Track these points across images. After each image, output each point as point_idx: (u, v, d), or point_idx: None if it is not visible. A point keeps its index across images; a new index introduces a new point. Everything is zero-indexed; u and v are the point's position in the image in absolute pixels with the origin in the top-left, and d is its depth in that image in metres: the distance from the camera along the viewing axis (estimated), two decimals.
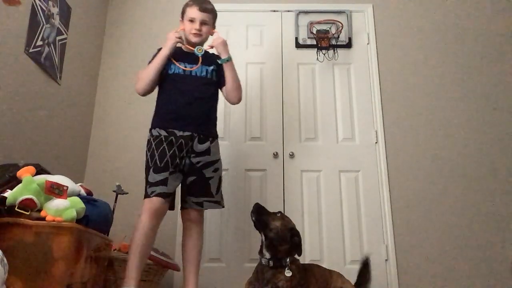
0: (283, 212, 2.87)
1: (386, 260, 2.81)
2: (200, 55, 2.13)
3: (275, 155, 3.02)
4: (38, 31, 2.42)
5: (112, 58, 3.31)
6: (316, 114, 3.14)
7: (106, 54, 3.33)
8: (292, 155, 3.02)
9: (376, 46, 3.26)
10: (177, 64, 2.14)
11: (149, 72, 2.11)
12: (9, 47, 2.17)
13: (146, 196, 2.00)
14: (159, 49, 2.20)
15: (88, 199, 1.94)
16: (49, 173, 1.92)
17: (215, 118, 2.20)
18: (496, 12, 3.33)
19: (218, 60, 2.19)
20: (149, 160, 2.04)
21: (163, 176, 1.98)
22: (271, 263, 1.85)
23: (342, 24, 3.22)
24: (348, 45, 3.27)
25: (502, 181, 2.94)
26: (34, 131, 2.41)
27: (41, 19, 2.44)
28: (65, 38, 2.74)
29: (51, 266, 1.59)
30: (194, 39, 2.16)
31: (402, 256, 2.80)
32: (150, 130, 2.11)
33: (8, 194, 1.62)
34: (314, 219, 2.90)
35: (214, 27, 2.26)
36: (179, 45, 2.18)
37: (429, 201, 2.91)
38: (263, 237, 1.90)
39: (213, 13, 2.22)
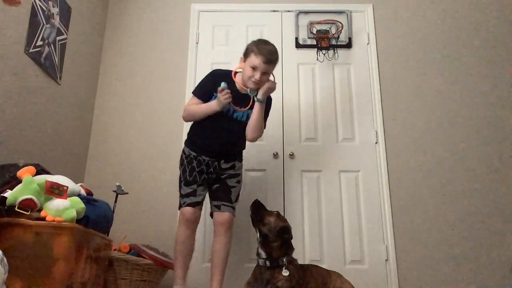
0: (283, 211, 2.88)
1: (386, 260, 2.81)
2: (252, 96, 2.22)
3: (275, 155, 3.02)
4: (38, 31, 2.42)
5: (112, 58, 3.31)
6: (316, 114, 3.14)
7: (106, 54, 3.33)
8: (292, 155, 3.02)
9: (376, 46, 3.26)
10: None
11: (196, 114, 2.25)
12: (9, 47, 2.17)
13: (180, 206, 2.23)
14: (213, 73, 2.29)
15: (88, 199, 1.94)
16: (49, 173, 1.92)
17: (242, 148, 2.40)
18: (497, 11, 3.32)
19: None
20: (181, 175, 2.27)
21: (192, 189, 2.21)
22: (267, 263, 1.86)
23: (342, 24, 3.22)
24: (348, 45, 3.27)
25: (502, 180, 2.94)
26: (34, 131, 2.41)
27: (41, 19, 2.44)
28: (65, 38, 2.74)
29: (51, 266, 1.59)
30: (251, 86, 2.20)
31: (402, 256, 2.80)
32: (184, 146, 2.33)
33: (8, 194, 1.62)
34: (314, 219, 2.90)
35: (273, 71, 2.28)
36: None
37: (429, 201, 2.91)
38: (258, 234, 1.93)
39: (275, 64, 2.23)
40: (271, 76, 2.24)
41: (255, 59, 2.15)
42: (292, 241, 1.97)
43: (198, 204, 2.21)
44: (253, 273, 1.94)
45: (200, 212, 2.25)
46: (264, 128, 2.34)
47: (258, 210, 1.97)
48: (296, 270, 1.86)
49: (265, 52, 2.15)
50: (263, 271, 1.86)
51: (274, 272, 1.83)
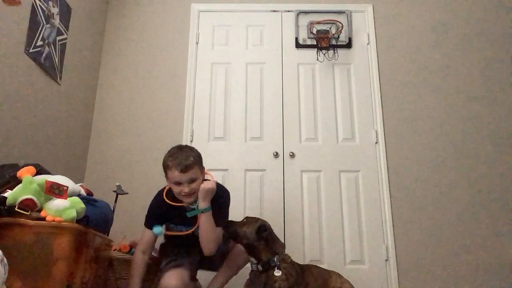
0: (283, 211, 2.88)
1: (386, 260, 2.81)
2: (196, 213, 1.96)
3: (275, 155, 3.02)
4: (38, 31, 2.42)
5: (112, 58, 3.31)
6: (316, 114, 3.14)
7: (106, 54, 3.33)
8: (292, 155, 3.02)
9: (376, 46, 3.27)
10: (173, 232, 2.08)
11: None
12: (9, 47, 2.17)
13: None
14: (151, 205, 2.12)
15: (88, 199, 1.93)
16: (49, 173, 1.92)
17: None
18: (497, 12, 3.32)
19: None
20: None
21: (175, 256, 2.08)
22: (259, 267, 1.85)
23: (342, 24, 3.22)
24: (348, 45, 3.27)
25: (502, 180, 2.94)
26: (34, 131, 2.41)
27: (41, 19, 2.44)
28: (65, 38, 2.74)
29: (51, 266, 1.58)
30: (187, 201, 1.98)
31: (402, 256, 2.80)
32: None
33: (8, 194, 1.61)
34: (314, 219, 2.90)
35: (203, 168, 2.04)
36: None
37: (429, 201, 2.91)
38: (243, 248, 1.92)
39: (197, 164, 1.97)
40: (206, 175, 2.03)
41: (172, 174, 1.93)
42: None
43: (180, 266, 1.99)
44: (249, 277, 1.94)
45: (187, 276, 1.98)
46: (227, 218, 2.07)
47: (231, 229, 1.91)
48: (292, 268, 1.85)
49: (177, 162, 1.92)
50: (258, 275, 1.86)
51: (269, 274, 1.83)
